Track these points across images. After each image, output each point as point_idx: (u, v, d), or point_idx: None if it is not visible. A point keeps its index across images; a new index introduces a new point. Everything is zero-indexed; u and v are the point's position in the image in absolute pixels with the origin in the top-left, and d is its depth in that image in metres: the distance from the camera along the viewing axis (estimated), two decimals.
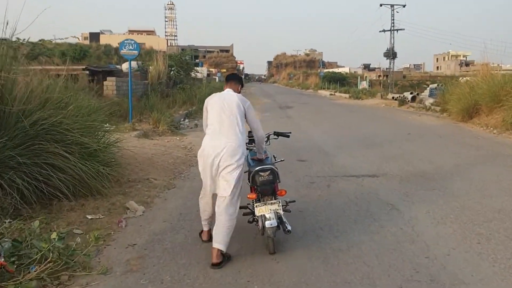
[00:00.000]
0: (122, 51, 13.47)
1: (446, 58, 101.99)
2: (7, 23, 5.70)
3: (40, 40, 12.94)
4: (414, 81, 65.44)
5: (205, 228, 4.46)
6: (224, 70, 75.77)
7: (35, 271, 3.19)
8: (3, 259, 3.10)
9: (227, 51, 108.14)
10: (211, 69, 66.16)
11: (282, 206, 4.17)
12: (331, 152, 9.76)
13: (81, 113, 6.29)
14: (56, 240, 3.33)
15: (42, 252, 3.25)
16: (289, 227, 4.09)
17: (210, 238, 4.25)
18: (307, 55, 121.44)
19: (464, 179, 7.16)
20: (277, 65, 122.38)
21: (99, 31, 79.46)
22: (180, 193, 6.40)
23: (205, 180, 4.18)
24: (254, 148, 4.55)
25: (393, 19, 46.87)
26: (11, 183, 4.68)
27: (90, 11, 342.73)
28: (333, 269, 3.84)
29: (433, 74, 78.78)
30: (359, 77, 57.43)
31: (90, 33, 75.48)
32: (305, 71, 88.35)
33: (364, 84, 47.18)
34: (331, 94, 42.15)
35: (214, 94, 4.41)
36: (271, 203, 4.09)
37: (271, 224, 3.97)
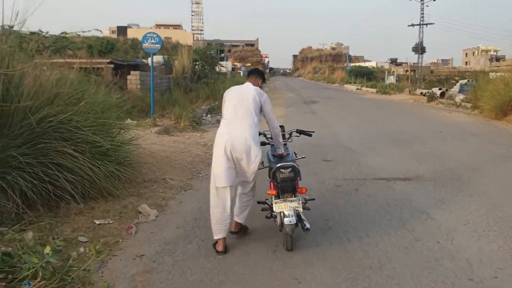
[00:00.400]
0: (144, 44, 13.08)
1: (476, 53, 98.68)
2: (17, 14, 5.41)
3: (62, 33, 12.67)
4: (442, 76, 63.83)
5: (220, 235, 4.10)
6: (249, 64, 75.27)
7: None
8: None
9: (252, 45, 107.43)
10: (236, 63, 65.75)
11: (301, 203, 4.11)
12: (358, 151, 9.23)
13: (94, 110, 5.94)
14: (50, 255, 2.96)
15: (34, 268, 2.90)
16: (307, 225, 4.05)
17: (225, 248, 4.09)
18: (333, 49, 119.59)
19: (505, 184, 6.54)
20: (303, 59, 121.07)
21: (126, 24, 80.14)
22: (197, 195, 6.01)
23: (218, 171, 4.16)
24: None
25: (423, 13, 45.59)
26: (15, 185, 4.37)
27: (117, 5, 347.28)
28: None
29: (462, 70, 76.53)
30: (386, 71, 55.97)
31: (118, 27, 76.14)
32: (331, 65, 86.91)
33: (391, 79, 45.94)
34: (357, 89, 41.16)
35: (233, 86, 4.54)
36: (291, 200, 4.04)
37: (289, 222, 3.93)
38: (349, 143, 10.17)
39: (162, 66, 20.73)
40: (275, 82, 58.31)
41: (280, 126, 4.72)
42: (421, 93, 27.80)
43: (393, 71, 56.12)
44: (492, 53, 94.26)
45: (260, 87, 4.65)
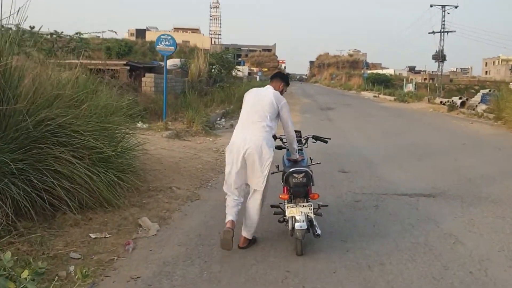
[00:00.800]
0: (158, 46, 12.76)
1: (496, 63, 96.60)
2: (18, 11, 5.09)
3: (76, 33, 12.47)
4: (461, 85, 62.81)
5: (230, 218, 4.15)
6: (266, 69, 75.06)
7: None
8: None
9: (269, 50, 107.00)
10: (252, 68, 65.51)
11: (314, 209, 4.10)
12: (377, 162, 8.72)
13: (98, 113, 5.58)
14: (27, 280, 2.59)
15: None
16: (318, 231, 4.04)
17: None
18: (351, 55, 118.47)
19: None
20: (319, 65, 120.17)
21: (145, 27, 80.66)
22: (203, 206, 5.61)
23: (231, 175, 4.17)
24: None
25: (444, 20, 44.70)
26: (6, 193, 4.01)
27: (137, 8, 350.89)
28: None
29: (482, 79, 75.07)
30: (404, 79, 54.99)
31: (136, 30, 76.74)
32: (348, 71, 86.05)
33: (410, 87, 45.06)
34: (374, 96, 40.45)
35: (253, 88, 4.54)
36: (303, 205, 4.02)
37: (300, 227, 3.91)
38: (367, 153, 9.68)
39: (179, 69, 20.55)
40: (291, 87, 57.68)
41: (297, 131, 4.72)
42: (441, 102, 27.14)
43: (412, 79, 55.14)
44: None
45: (284, 91, 4.63)
